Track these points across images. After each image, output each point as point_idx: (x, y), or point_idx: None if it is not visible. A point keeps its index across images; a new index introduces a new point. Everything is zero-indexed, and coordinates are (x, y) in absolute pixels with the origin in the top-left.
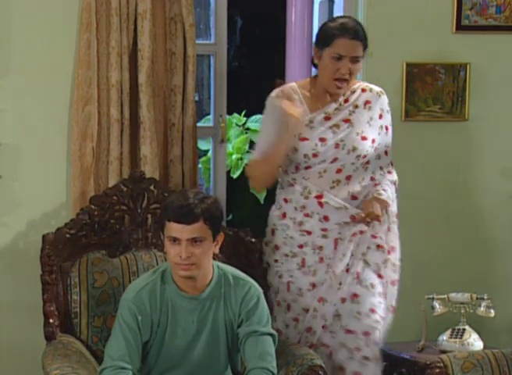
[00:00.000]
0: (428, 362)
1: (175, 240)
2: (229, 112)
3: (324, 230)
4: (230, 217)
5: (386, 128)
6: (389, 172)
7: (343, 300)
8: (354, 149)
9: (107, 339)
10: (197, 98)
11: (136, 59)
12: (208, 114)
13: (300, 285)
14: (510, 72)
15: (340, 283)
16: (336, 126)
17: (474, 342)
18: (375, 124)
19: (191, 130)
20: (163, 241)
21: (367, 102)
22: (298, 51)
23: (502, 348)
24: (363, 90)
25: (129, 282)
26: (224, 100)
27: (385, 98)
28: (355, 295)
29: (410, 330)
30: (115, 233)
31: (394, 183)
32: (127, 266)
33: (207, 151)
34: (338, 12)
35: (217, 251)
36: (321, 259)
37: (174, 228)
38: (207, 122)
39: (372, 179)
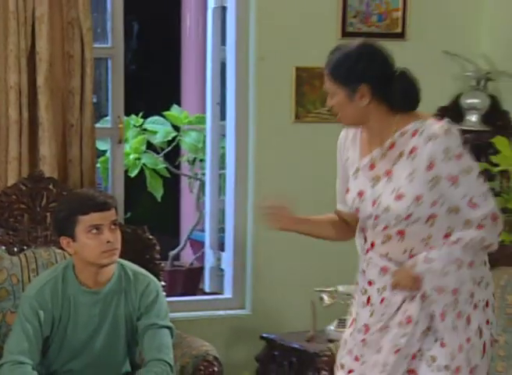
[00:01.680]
0: (317, 351)
1: (97, 228)
2: (127, 114)
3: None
4: (128, 215)
5: (451, 178)
6: (480, 226)
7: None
8: (388, 209)
9: (6, 335)
10: (95, 100)
11: (35, 62)
12: (106, 115)
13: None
14: None
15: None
16: (377, 178)
17: None
18: (420, 178)
19: (89, 131)
20: (67, 242)
21: (413, 150)
22: (193, 54)
23: None
24: (413, 133)
25: (29, 279)
26: (121, 102)
27: (438, 145)
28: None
29: (300, 321)
30: (15, 231)
31: (466, 245)
32: (26, 263)
33: (105, 151)
34: (230, 18)
35: None
36: (382, 300)
37: (95, 217)
38: (105, 123)
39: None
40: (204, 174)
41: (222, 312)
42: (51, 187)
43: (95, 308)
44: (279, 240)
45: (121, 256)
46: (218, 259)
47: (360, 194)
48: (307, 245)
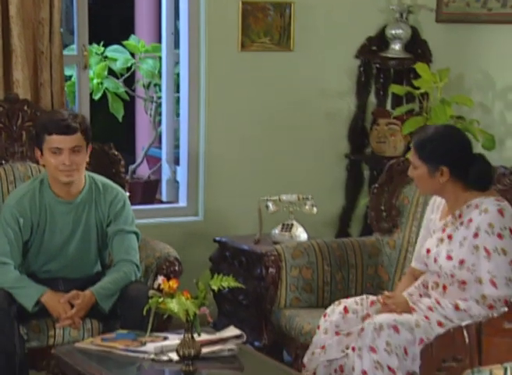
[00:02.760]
0: (265, 251)
1: (58, 150)
2: (89, 43)
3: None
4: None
5: (486, 251)
6: (491, 306)
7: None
8: (440, 267)
9: None
10: (62, 30)
11: None
12: (70, 44)
13: None
14: (326, 9)
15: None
16: (442, 240)
17: (301, 234)
18: (468, 244)
19: (58, 58)
20: (40, 155)
21: (470, 220)
22: None
23: (322, 238)
24: (476, 206)
25: (8, 189)
26: (86, 32)
27: (487, 218)
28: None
29: (248, 226)
30: None
31: (469, 316)
32: (5, 175)
33: (71, 76)
34: None
35: (87, 159)
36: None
37: (56, 140)
38: (71, 51)
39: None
40: (159, 97)
41: (177, 219)
42: (25, 108)
43: (69, 216)
44: (229, 154)
45: (90, 170)
46: (174, 172)
47: (428, 251)
48: (254, 159)
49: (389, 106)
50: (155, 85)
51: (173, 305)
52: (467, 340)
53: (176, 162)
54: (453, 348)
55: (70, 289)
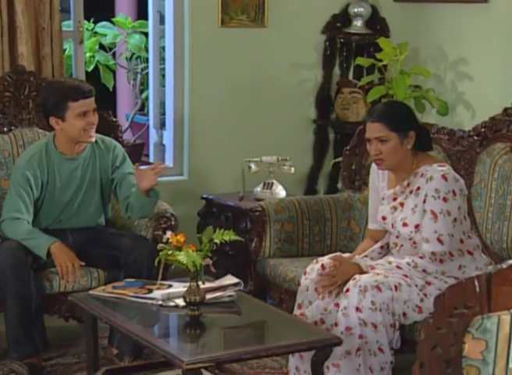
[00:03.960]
0: (250, 207)
1: (84, 113)
2: None
3: None
4: None
5: (433, 213)
6: (441, 260)
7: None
8: (398, 232)
9: (2, 198)
10: (60, 8)
11: None
12: (65, 20)
13: None
14: None
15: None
16: (395, 208)
17: (280, 192)
18: (419, 210)
19: (58, 33)
20: (56, 122)
21: (418, 188)
22: None
23: (301, 195)
24: (422, 175)
25: (18, 153)
26: (81, 9)
27: (433, 184)
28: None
29: (229, 185)
30: (4, 115)
31: (415, 267)
32: (15, 140)
33: (65, 49)
34: None
35: None
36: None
37: (83, 104)
38: (66, 26)
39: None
40: (142, 69)
41: (165, 178)
42: (31, 79)
43: (75, 172)
44: (211, 120)
45: None
46: (161, 137)
47: (384, 218)
48: (234, 125)
49: (351, 77)
50: (137, 58)
51: (182, 257)
52: (477, 289)
53: (161, 127)
54: (465, 297)
55: (78, 238)
